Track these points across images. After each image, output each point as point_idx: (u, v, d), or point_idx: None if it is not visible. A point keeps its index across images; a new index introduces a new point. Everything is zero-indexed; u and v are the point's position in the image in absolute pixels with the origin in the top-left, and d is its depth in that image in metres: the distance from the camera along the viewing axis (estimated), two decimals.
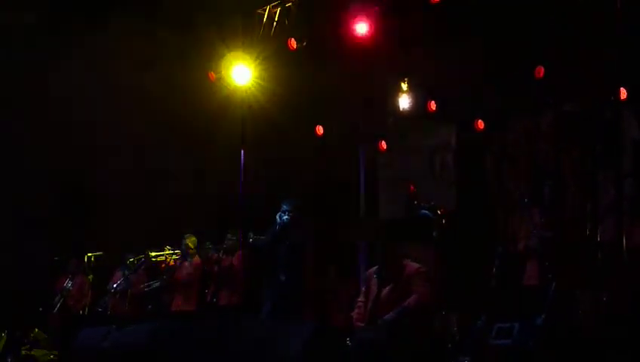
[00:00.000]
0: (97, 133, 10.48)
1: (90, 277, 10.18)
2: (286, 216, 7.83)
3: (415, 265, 6.36)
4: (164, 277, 9.48)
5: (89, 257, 9.90)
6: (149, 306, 9.57)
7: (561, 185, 8.22)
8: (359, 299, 6.58)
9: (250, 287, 9.02)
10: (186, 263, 9.45)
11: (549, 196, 7.42)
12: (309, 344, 5.54)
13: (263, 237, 8.25)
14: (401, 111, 9.84)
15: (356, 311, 6.51)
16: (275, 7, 9.24)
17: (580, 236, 7.26)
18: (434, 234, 7.36)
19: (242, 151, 9.30)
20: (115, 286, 9.76)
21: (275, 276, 7.88)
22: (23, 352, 9.38)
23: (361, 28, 8.65)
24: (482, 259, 7.99)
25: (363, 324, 6.31)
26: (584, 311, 6.55)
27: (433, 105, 9.64)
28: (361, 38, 8.71)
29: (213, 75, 9.86)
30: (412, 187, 8.11)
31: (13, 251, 9.71)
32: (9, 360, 9.26)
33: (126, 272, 9.78)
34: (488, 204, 9.68)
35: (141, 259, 9.53)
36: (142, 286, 9.76)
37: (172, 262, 9.48)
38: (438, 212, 7.45)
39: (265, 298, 8.06)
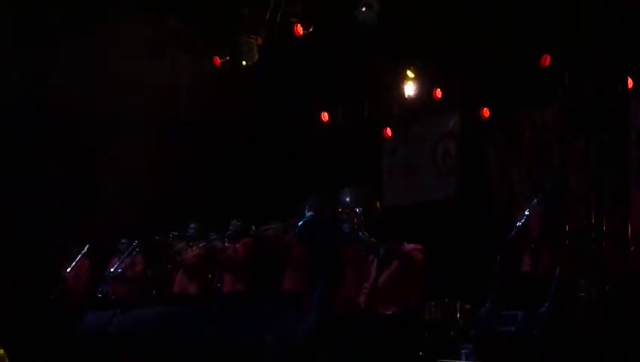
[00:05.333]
0: (100, 120, 10.45)
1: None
2: (309, 212, 7.84)
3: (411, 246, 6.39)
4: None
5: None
6: (153, 291, 9.60)
7: (562, 177, 8.21)
8: (364, 286, 6.61)
9: (256, 275, 9.05)
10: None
11: (549, 190, 7.39)
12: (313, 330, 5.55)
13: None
14: (407, 99, 9.82)
15: (362, 297, 6.54)
16: None
17: (582, 226, 7.27)
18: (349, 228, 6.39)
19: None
20: (111, 271, 9.78)
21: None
22: None
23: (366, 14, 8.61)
24: (485, 248, 8.01)
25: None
26: (587, 299, 6.57)
27: (439, 93, 9.63)
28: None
29: (218, 60, 9.82)
30: None
31: (17, 237, 9.70)
32: None
33: (121, 256, 9.77)
34: (490, 192, 9.68)
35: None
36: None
37: None
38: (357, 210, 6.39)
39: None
